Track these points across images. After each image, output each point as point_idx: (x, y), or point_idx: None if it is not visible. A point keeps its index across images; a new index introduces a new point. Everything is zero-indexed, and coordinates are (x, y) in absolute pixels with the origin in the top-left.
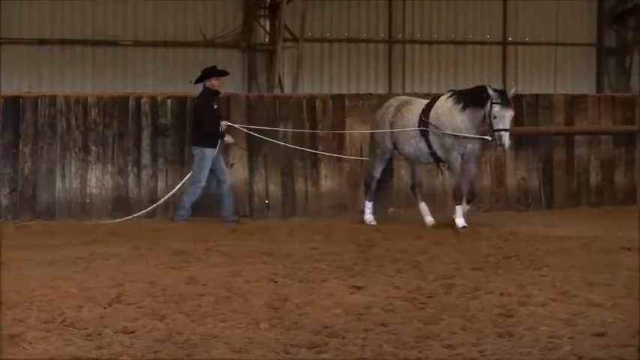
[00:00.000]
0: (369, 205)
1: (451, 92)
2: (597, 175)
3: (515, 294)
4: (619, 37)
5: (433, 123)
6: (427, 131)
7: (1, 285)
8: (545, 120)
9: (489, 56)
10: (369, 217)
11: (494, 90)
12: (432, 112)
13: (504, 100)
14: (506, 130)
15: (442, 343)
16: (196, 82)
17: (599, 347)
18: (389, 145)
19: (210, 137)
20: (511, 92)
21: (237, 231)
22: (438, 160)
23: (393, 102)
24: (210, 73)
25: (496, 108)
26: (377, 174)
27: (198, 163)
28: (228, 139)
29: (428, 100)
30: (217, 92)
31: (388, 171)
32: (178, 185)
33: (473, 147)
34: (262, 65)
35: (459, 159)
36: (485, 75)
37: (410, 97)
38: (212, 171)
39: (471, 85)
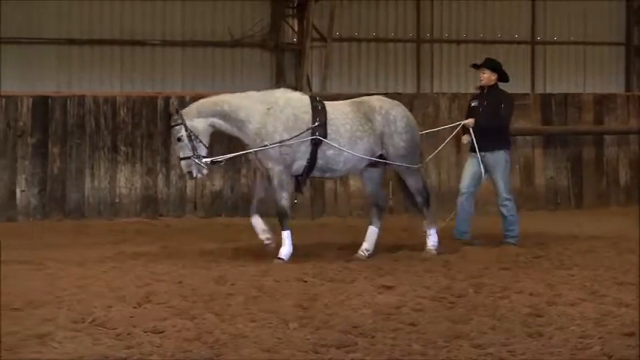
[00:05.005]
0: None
1: None
2: (626, 175)
3: (545, 294)
4: None
5: None
6: None
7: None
8: (574, 119)
9: (517, 55)
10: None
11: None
12: None
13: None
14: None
15: (471, 342)
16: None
17: (629, 347)
18: None
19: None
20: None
21: None
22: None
23: None
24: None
25: None
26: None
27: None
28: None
29: None
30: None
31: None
32: None
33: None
34: (290, 65)
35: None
36: (513, 74)
37: None
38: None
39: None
